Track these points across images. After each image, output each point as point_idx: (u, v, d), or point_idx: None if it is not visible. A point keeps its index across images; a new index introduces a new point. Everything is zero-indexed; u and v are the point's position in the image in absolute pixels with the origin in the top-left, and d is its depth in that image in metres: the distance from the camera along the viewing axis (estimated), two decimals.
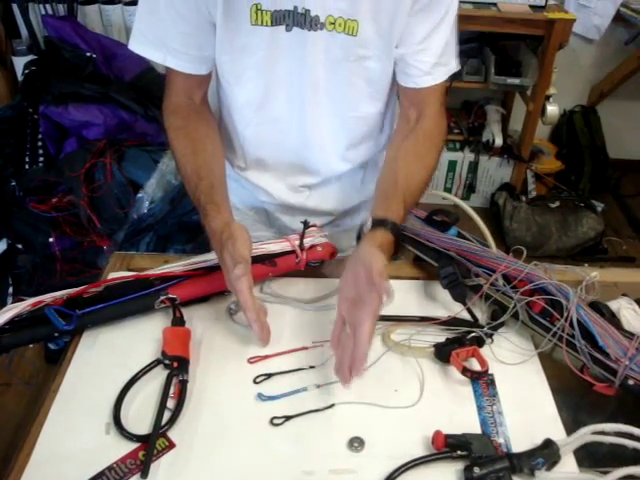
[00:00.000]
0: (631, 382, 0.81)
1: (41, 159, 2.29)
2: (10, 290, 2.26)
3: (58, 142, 2.32)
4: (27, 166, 2.27)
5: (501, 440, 0.80)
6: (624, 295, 1.00)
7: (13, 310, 0.88)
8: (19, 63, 2.50)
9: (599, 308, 0.92)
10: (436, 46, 0.99)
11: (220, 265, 0.91)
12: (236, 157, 1.17)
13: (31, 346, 1.91)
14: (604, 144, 3.21)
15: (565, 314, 0.87)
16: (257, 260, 1.01)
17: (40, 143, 2.29)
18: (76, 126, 2.27)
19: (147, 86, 2.39)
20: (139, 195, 2.21)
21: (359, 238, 0.92)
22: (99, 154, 2.21)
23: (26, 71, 2.29)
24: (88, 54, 2.30)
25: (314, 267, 1.06)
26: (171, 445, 0.79)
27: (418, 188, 1.00)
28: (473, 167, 3.07)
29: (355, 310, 0.83)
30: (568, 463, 0.78)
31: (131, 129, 2.35)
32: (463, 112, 3.15)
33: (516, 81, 2.72)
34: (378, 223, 0.92)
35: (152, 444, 0.77)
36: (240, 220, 1.25)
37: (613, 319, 0.92)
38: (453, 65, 1.03)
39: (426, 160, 1.03)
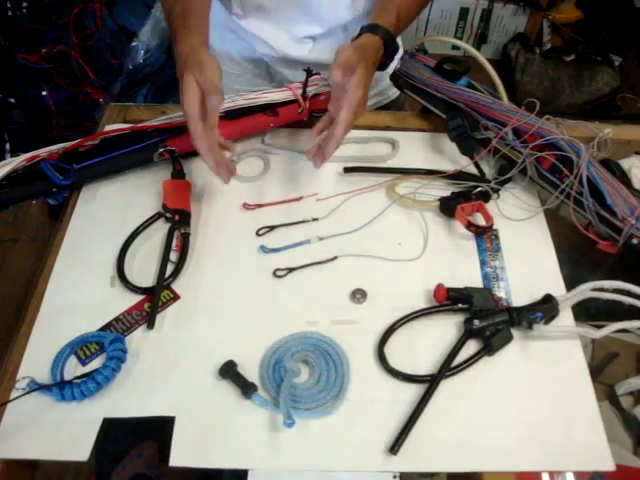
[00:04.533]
0: (635, 241, 0.81)
1: (24, 4, 2.15)
2: (7, 147, 2.23)
3: None
4: (10, 12, 2.14)
5: (502, 294, 0.81)
6: (637, 153, 0.97)
7: (8, 166, 0.85)
8: None
9: (610, 166, 0.90)
10: None
11: (180, 91, 0.80)
12: (234, 2, 1.07)
13: (34, 202, 1.92)
14: None
15: (575, 171, 0.85)
16: (258, 110, 0.97)
17: None
18: None
19: None
20: (133, 44, 2.12)
21: None
22: None
23: None
24: None
25: (317, 117, 1.02)
26: (176, 297, 0.80)
27: (414, 6, 0.96)
28: (486, 15, 2.90)
29: (339, 104, 0.83)
30: (566, 317, 0.79)
31: None
32: None
33: None
34: (367, 28, 0.90)
35: (157, 296, 0.78)
36: (239, 74, 1.20)
37: (624, 177, 0.90)
38: None
39: None
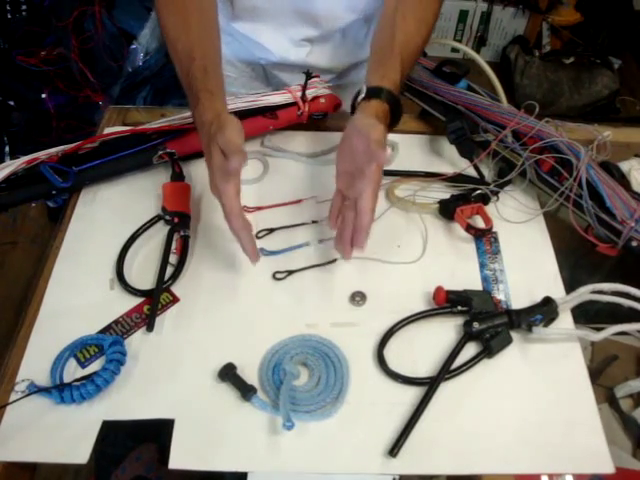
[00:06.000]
0: (634, 243, 0.81)
1: (24, 7, 2.15)
2: (7, 149, 2.23)
3: None
4: (9, 15, 2.14)
5: (501, 297, 0.81)
6: (636, 156, 0.97)
7: (8, 168, 0.86)
8: None
9: (609, 168, 0.90)
10: None
11: (206, 161, 0.77)
12: (230, 6, 1.07)
13: (33, 205, 1.92)
14: None
15: (575, 173, 0.85)
16: (257, 112, 0.97)
17: None
18: None
19: None
20: (132, 46, 2.12)
21: (353, 108, 0.86)
22: (87, 1, 2.08)
23: None
24: None
25: (317, 120, 1.02)
26: (175, 299, 0.80)
27: (417, 48, 0.90)
28: (485, 18, 2.90)
29: (354, 183, 0.77)
30: (565, 320, 0.79)
31: None
32: None
33: None
34: (373, 92, 0.82)
35: (156, 298, 0.78)
36: (236, 77, 1.20)
37: (623, 180, 0.90)
38: None
39: (426, 15, 0.91)
